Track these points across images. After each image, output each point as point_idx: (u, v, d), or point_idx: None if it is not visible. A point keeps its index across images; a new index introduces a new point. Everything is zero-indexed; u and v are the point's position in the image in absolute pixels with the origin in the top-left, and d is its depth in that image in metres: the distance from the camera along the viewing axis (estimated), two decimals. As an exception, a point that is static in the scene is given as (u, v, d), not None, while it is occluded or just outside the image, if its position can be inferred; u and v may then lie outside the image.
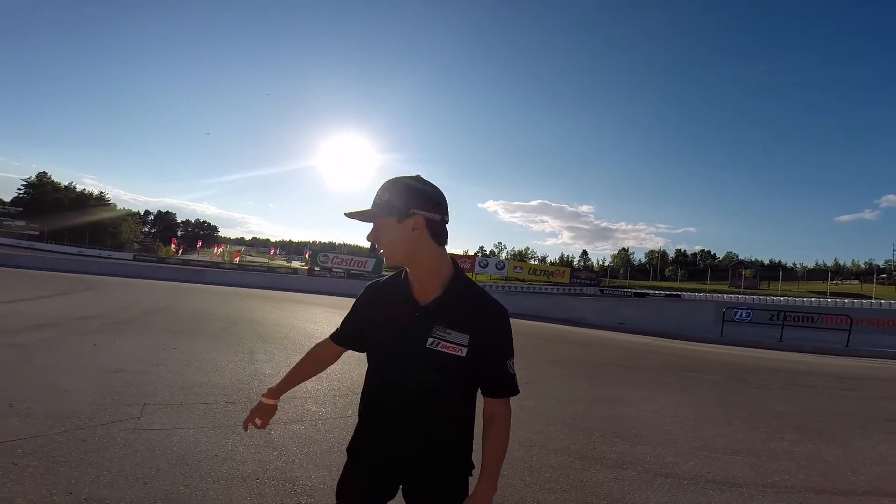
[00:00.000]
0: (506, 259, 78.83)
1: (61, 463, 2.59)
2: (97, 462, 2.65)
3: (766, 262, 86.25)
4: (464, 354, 1.17)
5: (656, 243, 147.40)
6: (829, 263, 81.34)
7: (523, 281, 58.04)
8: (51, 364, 4.89)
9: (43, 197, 70.05)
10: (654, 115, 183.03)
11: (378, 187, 1.20)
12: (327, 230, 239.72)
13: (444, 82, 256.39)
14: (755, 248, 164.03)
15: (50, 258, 35.50)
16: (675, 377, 7.68)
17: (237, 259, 63.49)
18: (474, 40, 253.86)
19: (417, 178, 1.20)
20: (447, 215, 1.21)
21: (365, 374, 1.29)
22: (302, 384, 4.43)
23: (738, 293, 49.51)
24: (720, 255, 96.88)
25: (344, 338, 1.41)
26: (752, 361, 10.09)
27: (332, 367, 5.07)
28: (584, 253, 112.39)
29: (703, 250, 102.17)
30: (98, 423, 3.27)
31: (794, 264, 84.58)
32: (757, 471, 3.37)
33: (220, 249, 74.75)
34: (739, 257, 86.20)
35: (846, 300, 40.27)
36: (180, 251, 64.95)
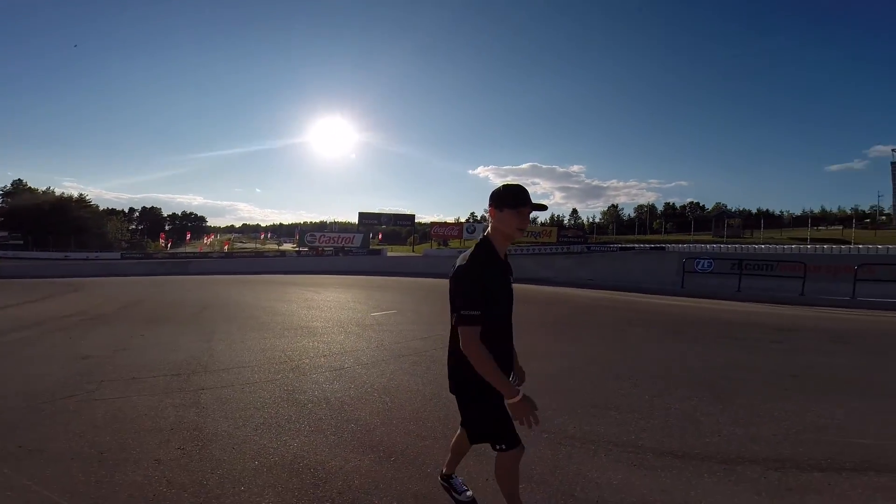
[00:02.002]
0: (494, 225, 78.91)
1: (22, 427, 3.29)
2: (49, 425, 3.35)
3: (754, 210, 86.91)
4: None
5: (648, 198, 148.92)
6: (816, 211, 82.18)
7: (511, 244, 58.70)
8: (29, 357, 5.59)
9: (22, 204, 69.25)
10: (644, 72, 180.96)
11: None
12: (319, 210, 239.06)
13: (431, 52, 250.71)
14: (746, 198, 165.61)
15: (36, 265, 36.11)
16: (613, 331, 8.16)
17: (226, 247, 63.85)
18: (460, 5, 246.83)
19: None
20: None
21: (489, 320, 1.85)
22: (242, 356, 5.17)
23: (721, 242, 50.23)
24: (709, 207, 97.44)
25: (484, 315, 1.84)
26: (699, 313, 10.41)
27: (283, 341, 5.81)
28: (574, 212, 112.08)
29: (692, 202, 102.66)
30: (58, 398, 3.96)
31: (781, 212, 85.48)
32: (622, 428, 3.41)
33: (210, 239, 75.02)
34: (728, 207, 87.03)
35: (824, 245, 41.22)
36: (169, 245, 65.02)
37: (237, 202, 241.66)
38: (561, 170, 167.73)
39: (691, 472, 2.75)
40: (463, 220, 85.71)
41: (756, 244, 48.42)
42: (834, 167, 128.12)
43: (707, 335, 7.66)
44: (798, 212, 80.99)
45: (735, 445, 3.14)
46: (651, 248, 43.79)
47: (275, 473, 2.72)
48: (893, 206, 65.96)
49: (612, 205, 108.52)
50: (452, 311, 1.86)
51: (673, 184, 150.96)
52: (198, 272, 30.61)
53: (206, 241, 72.11)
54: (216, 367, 5.12)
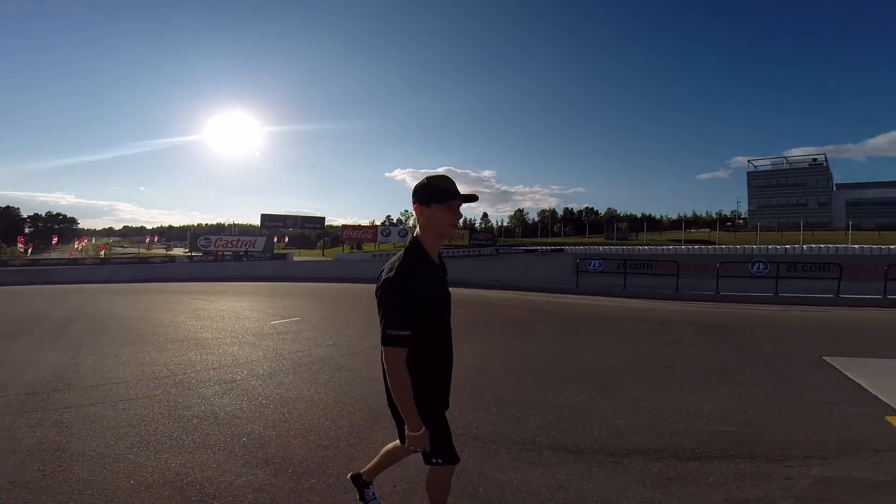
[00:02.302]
0: (410, 227, 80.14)
1: None
2: None
3: (640, 215, 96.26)
4: None
5: (550, 203, 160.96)
6: (689, 215, 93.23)
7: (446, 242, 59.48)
8: None
9: None
10: (548, 83, 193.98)
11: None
12: (216, 211, 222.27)
13: (347, 49, 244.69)
14: (633, 203, 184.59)
15: None
16: (514, 329, 8.52)
17: (102, 252, 56.60)
18: (377, 5, 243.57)
19: None
20: None
21: (418, 336, 1.66)
22: (115, 371, 4.58)
23: (612, 244, 55.09)
24: (602, 211, 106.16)
25: (412, 336, 1.65)
26: (590, 310, 11.16)
27: (165, 354, 5.13)
28: (485, 215, 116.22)
29: (587, 207, 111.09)
30: None
31: (661, 216, 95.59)
32: (521, 425, 3.53)
33: (82, 243, 65.86)
34: (617, 212, 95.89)
35: (694, 246, 47.00)
36: (29, 250, 56.09)
37: (117, 202, 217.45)
38: (474, 174, 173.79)
39: (584, 466, 2.90)
40: (379, 223, 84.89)
41: (640, 245, 53.95)
42: (704, 176, 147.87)
43: (596, 331, 8.30)
44: (675, 216, 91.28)
45: (620, 438, 3.35)
46: (552, 250, 46.82)
47: (155, 491, 2.48)
48: (749, 211, 77.18)
49: (519, 209, 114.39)
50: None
51: (572, 190, 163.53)
52: (65, 281, 26.73)
53: (77, 245, 63.25)
54: (83, 384, 4.51)
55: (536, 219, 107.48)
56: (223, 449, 3.07)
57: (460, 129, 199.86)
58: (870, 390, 4.40)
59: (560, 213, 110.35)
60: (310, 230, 73.20)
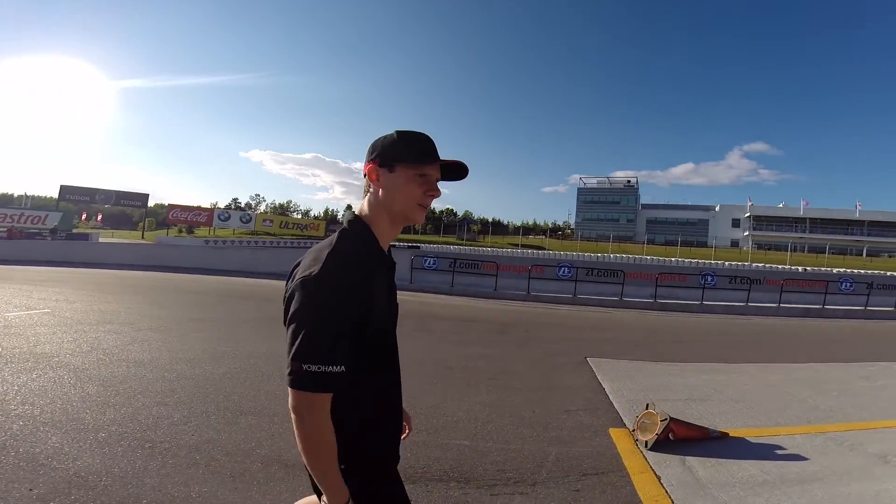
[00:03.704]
0: (262, 211, 74.15)
1: None
2: None
3: (491, 219, 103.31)
4: None
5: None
6: (531, 222, 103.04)
7: (274, 235, 55.89)
8: None
9: None
10: (423, 85, 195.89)
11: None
12: (8, 178, 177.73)
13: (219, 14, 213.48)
14: (488, 208, 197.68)
15: None
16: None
17: None
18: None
19: None
20: None
21: (364, 369, 1.11)
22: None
23: (462, 244, 58.19)
24: (461, 213, 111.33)
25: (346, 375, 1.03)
26: (413, 307, 11.01)
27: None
28: (349, 207, 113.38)
29: (448, 209, 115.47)
30: None
31: (508, 222, 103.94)
32: (247, 435, 3.31)
33: None
34: (473, 215, 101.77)
35: (526, 250, 51.94)
36: None
37: None
38: (344, 165, 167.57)
39: (287, 485, 2.65)
40: (223, 205, 76.45)
41: (485, 247, 57.92)
42: (547, 189, 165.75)
43: (408, 330, 8.17)
44: (520, 222, 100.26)
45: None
46: (408, 246, 47.67)
47: None
48: (576, 222, 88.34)
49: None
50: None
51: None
52: None
53: None
54: None
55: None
56: None
57: (330, 119, 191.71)
58: (609, 395, 4.75)
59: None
60: (132, 209, 62.81)
